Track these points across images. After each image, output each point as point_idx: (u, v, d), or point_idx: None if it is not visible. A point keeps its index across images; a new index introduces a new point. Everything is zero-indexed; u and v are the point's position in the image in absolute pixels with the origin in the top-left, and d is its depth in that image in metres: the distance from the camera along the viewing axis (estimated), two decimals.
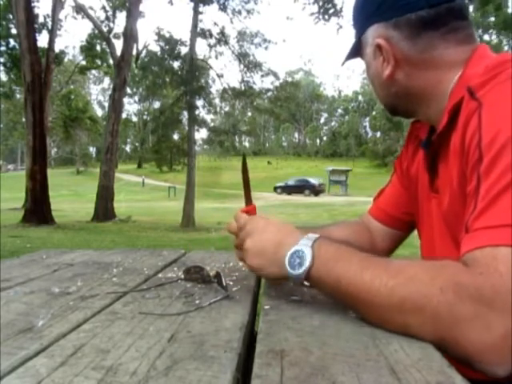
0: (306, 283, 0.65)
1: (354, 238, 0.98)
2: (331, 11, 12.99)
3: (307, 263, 0.63)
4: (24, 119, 13.02)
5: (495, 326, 0.49)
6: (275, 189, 35.17)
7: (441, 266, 0.56)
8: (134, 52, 15.82)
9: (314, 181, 34.93)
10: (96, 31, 19.94)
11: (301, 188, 33.96)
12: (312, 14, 13.04)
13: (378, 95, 0.87)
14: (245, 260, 0.75)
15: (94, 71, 46.77)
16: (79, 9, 19.28)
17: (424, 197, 0.87)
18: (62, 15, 18.81)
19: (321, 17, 12.99)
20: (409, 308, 0.54)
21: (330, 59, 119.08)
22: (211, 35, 14.87)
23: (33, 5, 12.49)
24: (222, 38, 15.24)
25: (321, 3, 12.78)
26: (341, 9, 12.87)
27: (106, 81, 66.16)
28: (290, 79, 19.63)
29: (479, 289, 0.51)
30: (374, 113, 61.33)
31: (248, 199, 0.86)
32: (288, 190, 34.37)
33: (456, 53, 0.75)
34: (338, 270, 0.61)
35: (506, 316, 0.49)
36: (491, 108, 0.61)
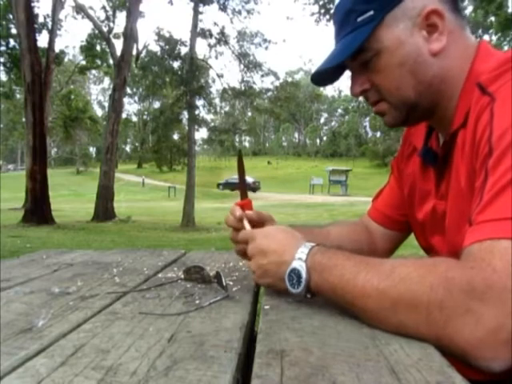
0: (308, 296, 0.67)
1: (354, 238, 0.98)
2: (332, 11, 12.96)
3: (303, 280, 0.65)
4: (24, 119, 13.00)
5: (486, 320, 0.48)
6: (218, 185, 39.41)
7: (432, 264, 0.56)
8: (134, 52, 15.79)
9: (249, 179, 39.86)
10: (96, 31, 19.91)
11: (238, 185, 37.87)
12: (313, 14, 13.04)
13: (402, 87, 0.71)
14: (247, 259, 0.77)
15: (94, 71, 46.89)
16: (79, 9, 19.27)
17: (423, 203, 0.85)
18: (62, 15, 18.81)
19: (322, 17, 12.98)
20: (402, 308, 0.54)
21: None
22: (211, 35, 14.84)
23: (33, 5, 12.47)
24: (222, 38, 15.20)
25: (321, 3, 12.76)
26: None
27: (106, 81, 66.20)
28: (290, 79, 19.58)
29: (470, 282, 0.50)
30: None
31: (243, 193, 0.87)
32: (228, 186, 37.40)
33: (471, 43, 0.73)
34: (332, 279, 0.62)
35: (498, 309, 0.48)
36: (504, 103, 0.60)
